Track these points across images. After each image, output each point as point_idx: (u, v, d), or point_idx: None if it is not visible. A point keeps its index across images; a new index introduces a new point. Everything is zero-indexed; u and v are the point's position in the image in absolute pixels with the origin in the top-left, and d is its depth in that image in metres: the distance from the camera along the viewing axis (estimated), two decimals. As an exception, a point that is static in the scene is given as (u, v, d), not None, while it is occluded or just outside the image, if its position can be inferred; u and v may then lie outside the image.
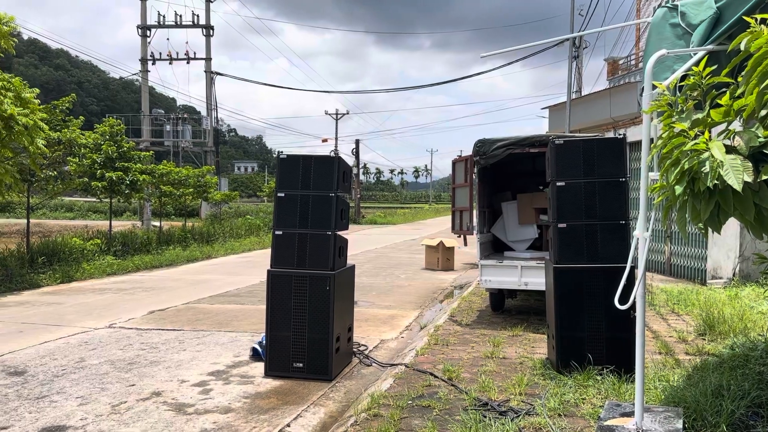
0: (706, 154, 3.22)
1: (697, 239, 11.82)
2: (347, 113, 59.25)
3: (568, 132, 16.45)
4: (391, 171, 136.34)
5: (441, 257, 15.21)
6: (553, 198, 5.62)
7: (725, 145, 3.24)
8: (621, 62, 31.49)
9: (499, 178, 9.46)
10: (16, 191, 12.78)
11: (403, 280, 13.28)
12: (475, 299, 9.85)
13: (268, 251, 6.31)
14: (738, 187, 3.02)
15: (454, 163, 9.16)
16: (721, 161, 3.10)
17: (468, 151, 8.30)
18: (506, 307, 8.99)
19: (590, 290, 5.45)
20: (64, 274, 12.61)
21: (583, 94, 24.71)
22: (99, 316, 8.79)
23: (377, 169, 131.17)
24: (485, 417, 4.44)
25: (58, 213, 40.94)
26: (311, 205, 5.90)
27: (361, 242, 24.62)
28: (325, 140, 49.78)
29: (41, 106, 12.26)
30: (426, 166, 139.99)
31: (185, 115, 35.44)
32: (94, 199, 28.77)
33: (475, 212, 8.62)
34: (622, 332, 5.33)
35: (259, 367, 6.09)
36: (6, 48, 11.90)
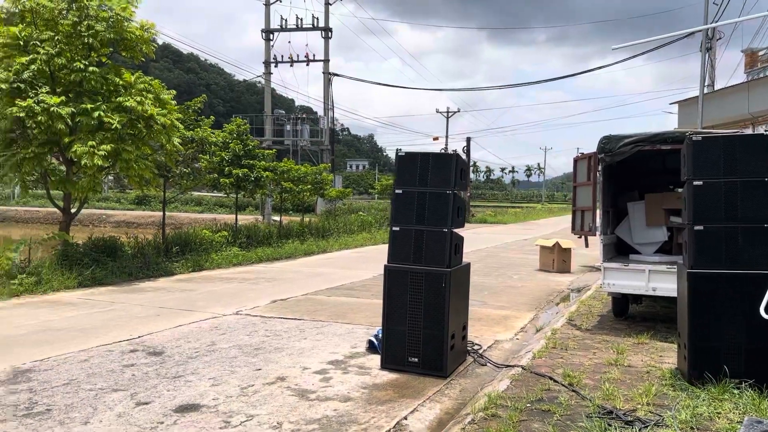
0: None
1: None
2: (458, 111, 59.12)
3: (701, 128, 15.33)
4: (502, 169, 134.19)
5: (557, 258, 14.73)
6: (689, 198, 5.26)
7: None
8: (761, 54, 28.87)
9: (625, 177, 9.00)
10: (154, 185, 13.90)
11: (516, 281, 13.01)
12: (596, 303, 9.45)
13: (380, 247, 6.42)
14: None
15: (575, 161, 8.82)
16: None
17: (586, 148, 8.00)
18: (630, 314, 8.55)
19: (729, 297, 5.05)
20: (195, 263, 13.56)
21: (716, 89, 22.93)
22: (227, 304, 9.37)
23: (487, 167, 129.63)
24: (610, 425, 4.26)
25: (188, 207, 44.04)
26: (428, 202, 5.92)
27: (472, 241, 24.33)
28: (436, 138, 49.79)
29: (176, 107, 13.28)
30: (539, 164, 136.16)
31: (303, 115, 36.91)
32: (220, 194, 30.66)
33: (598, 212, 8.26)
34: (764, 343, 4.90)
35: (375, 359, 6.22)
36: (147, 53, 13.00)
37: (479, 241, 24.46)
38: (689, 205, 5.25)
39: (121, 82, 11.78)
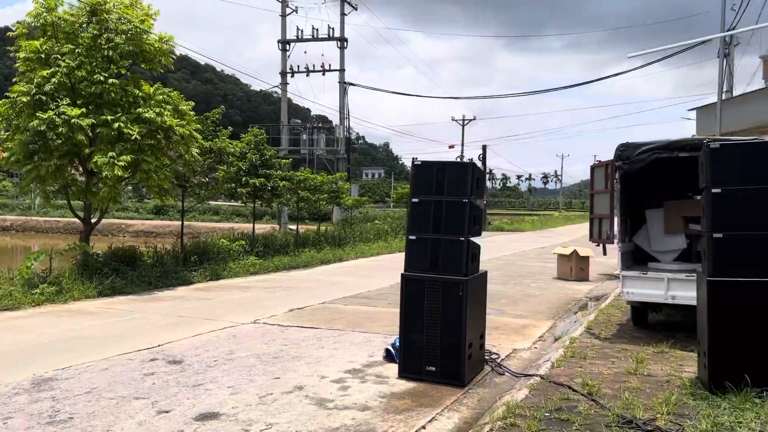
0: None
1: None
2: (473, 119, 58.80)
3: (719, 135, 15.19)
4: (518, 177, 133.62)
5: (575, 267, 14.63)
6: (708, 206, 5.23)
7: None
8: (781, 58, 28.51)
9: (643, 185, 8.94)
10: (173, 195, 14.07)
11: (534, 289, 12.94)
12: (614, 312, 9.38)
13: (396, 255, 6.44)
14: None
15: (592, 168, 8.78)
16: None
17: (603, 155, 7.96)
18: (649, 322, 8.47)
19: (750, 306, 5.00)
20: (213, 272, 13.67)
21: (734, 95, 22.70)
22: (245, 312, 9.43)
23: (503, 174, 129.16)
24: (629, 435, 4.22)
25: (205, 216, 44.39)
26: (445, 210, 5.94)
27: (488, 249, 24.26)
28: (451, 146, 49.84)
29: (195, 118, 13.44)
30: (555, 171, 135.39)
31: (319, 125, 37.14)
32: (237, 203, 30.87)
33: (615, 220, 8.21)
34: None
35: (393, 368, 6.22)
36: (166, 64, 13.20)
37: (496, 249, 24.36)
38: (707, 213, 5.22)
39: (140, 94, 11.97)
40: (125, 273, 11.94)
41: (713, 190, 5.19)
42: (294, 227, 22.98)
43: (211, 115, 15.45)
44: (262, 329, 8.23)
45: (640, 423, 4.47)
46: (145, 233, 35.09)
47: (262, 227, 26.33)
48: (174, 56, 13.40)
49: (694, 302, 5.91)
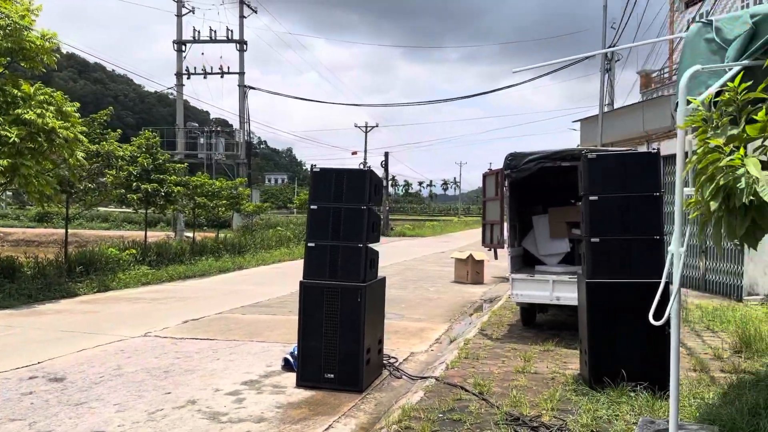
0: (741, 170, 3.20)
1: (733, 255, 11.58)
2: (376, 126, 59.55)
3: (600, 145, 16.31)
4: (420, 183, 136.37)
5: (470, 270, 15.16)
6: (586, 212, 5.60)
7: (761, 161, 3.22)
8: (654, 75, 31.07)
9: (530, 192, 9.44)
10: (56, 202, 13.19)
11: (433, 293, 13.27)
12: (506, 313, 9.80)
13: (298, 262, 6.39)
14: (775, 203, 2.99)
15: (484, 176, 9.17)
16: (757, 177, 3.08)
17: (498, 163, 8.32)
18: (537, 322, 8.93)
19: (624, 306, 5.39)
20: (101, 283, 12.92)
21: (615, 108, 24.47)
22: (134, 325, 8.99)
23: (406, 181, 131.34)
24: (514, 431, 4.43)
25: (94, 223, 41.91)
26: (343, 217, 5.97)
27: (390, 254, 24.64)
28: (354, 153, 50.13)
29: (80, 120, 12.68)
30: (455, 178, 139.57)
31: (218, 128, 36.13)
32: (128, 210, 29.41)
33: (506, 225, 8.60)
34: (656, 348, 5.26)
35: (291, 377, 6.17)
36: (49, 63, 12.36)
37: (398, 254, 24.74)
38: (586, 219, 5.59)
39: (19, 94, 11.14)
40: (2, 286, 11.06)
41: (590, 198, 5.56)
42: (191, 234, 22.19)
43: (99, 116, 14.63)
44: (153, 342, 7.88)
45: (527, 420, 4.71)
46: (26, 242, 32.65)
47: (155, 235, 25.23)
48: (58, 55, 12.58)
49: (576, 302, 6.30)
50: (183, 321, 9.42)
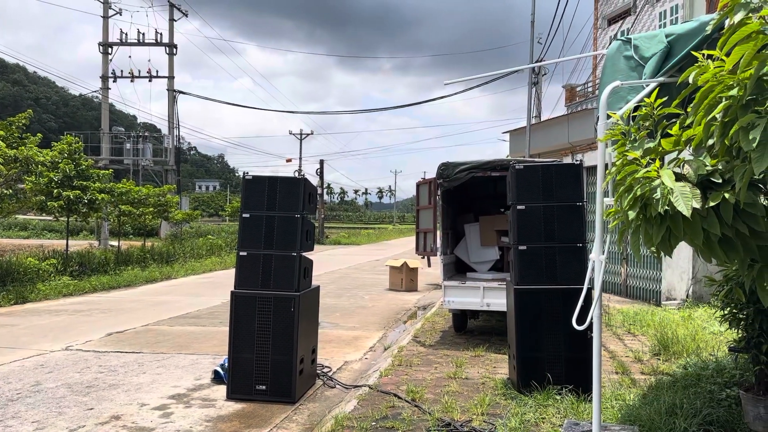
0: (657, 182, 3.38)
1: (652, 262, 12.18)
2: (311, 133, 59.23)
3: (528, 156, 16.84)
4: (356, 191, 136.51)
5: (405, 278, 15.28)
6: (514, 221, 5.77)
7: (675, 173, 3.42)
8: (578, 89, 32.43)
9: (462, 201, 9.63)
10: (-31, 209, 12.41)
11: (367, 301, 13.29)
12: (439, 320, 9.93)
13: (230, 272, 6.26)
14: (687, 213, 3.18)
15: (418, 185, 9.29)
16: (671, 188, 3.27)
17: (432, 172, 8.45)
18: (469, 328, 9.09)
19: (549, 311, 5.58)
20: (18, 294, 12.24)
21: (542, 120, 25.36)
22: (55, 339, 8.56)
23: (341, 189, 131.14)
24: (448, 437, 4.50)
25: (11, 231, 39.62)
26: (276, 226, 5.91)
27: (325, 263, 24.55)
28: (289, 160, 49.68)
29: (-3, 123, 12.02)
30: (390, 186, 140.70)
31: (146, 133, 34.96)
32: (49, 218, 28.02)
33: (438, 234, 8.74)
34: (580, 352, 5.47)
35: (221, 390, 6.03)
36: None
37: (333, 262, 24.67)
38: (514, 228, 5.76)
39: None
40: None
41: (518, 207, 5.74)
42: (115, 243, 21.34)
43: (16, 120, 13.90)
44: (74, 356, 7.51)
45: (458, 425, 4.78)
46: (-67, 252, 30.41)
47: (78, 243, 24.11)
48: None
49: (505, 308, 6.47)
50: (107, 333, 9.04)
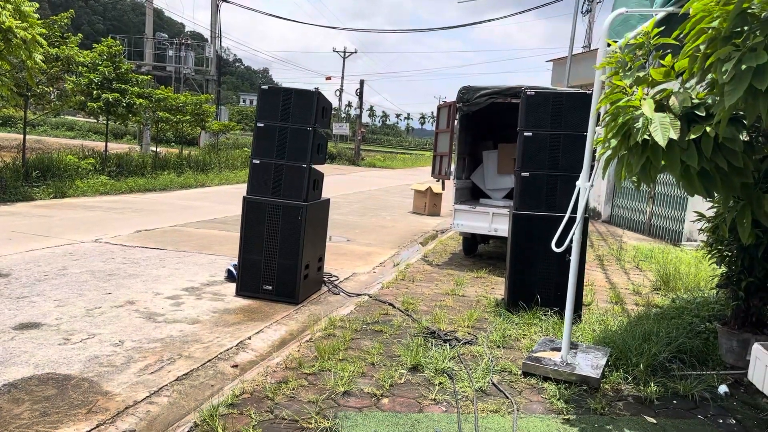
0: (640, 111, 3.42)
1: (678, 202, 12.05)
2: (355, 52, 58.41)
3: (566, 87, 16.42)
4: (398, 116, 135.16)
5: (428, 202, 15.48)
6: (520, 147, 5.83)
7: (659, 103, 3.44)
8: (633, 20, 30.78)
9: (483, 127, 9.61)
10: (12, 104, 12.93)
11: (388, 221, 13.58)
12: (452, 243, 10.17)
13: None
14: (662, 143, 3.23)
15: (439, 108, 9.29)
16: (651, 118, 3.31)
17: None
18: (478, 252, 9.32)
19: (544, 237, 5.70)
20: (58, 189, 12.91)
21: (591, 49, 24.40)
22: (86, 231, 9.13)
23: (383, 112, 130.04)
24: (429, 342, 4.81)
25: (59, 131, 40.93)
26: (289, 137, 6.10)
27: (356, 183, 24.88)
28: (329, 78, 49.30)
29: (39, 21, 12.26)
30: (432, 112, 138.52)
31: (188, 41, 35.00)
32: (95, 121, 28.77)
33: (453, 157, 8.82)
34: (567, 276, 5.62)
35: (231, 287, 6.44)
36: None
37: (364, 183, 24.97)
38: (519, 154, 5.83)
39: (-29, -12, 10.69)
40: (-47, 185, 10.98)
41: (525, 134, 5.79)
42: (156, 149, 21.97)
43: (59, 19, 14.13)
44: (102, 248, 8.05)
45: (442, 334, 5.08)
46: (-15, 146, 31.80)
47: (120, 147, 24.88)
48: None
49: (508, 233, 6.62)
50: (136, 231, 9.58)
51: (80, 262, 7.10)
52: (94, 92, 15.30)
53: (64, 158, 14.66)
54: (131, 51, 32.83)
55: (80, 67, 14.51)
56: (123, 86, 15.93)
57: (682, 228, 11.87)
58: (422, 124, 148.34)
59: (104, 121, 17.45)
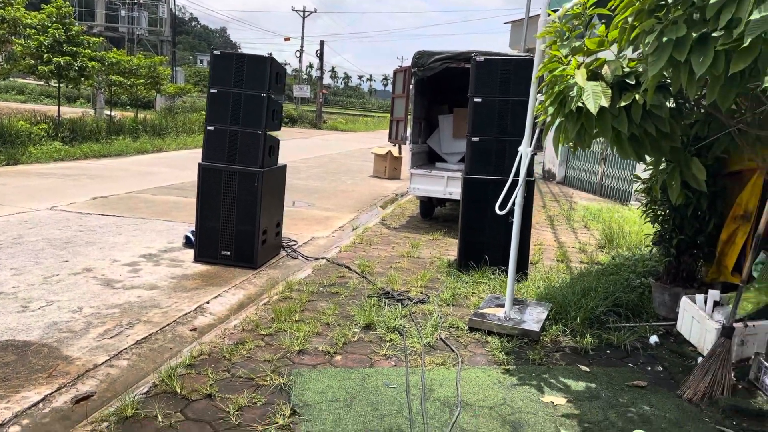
0: (575, 80, 3.61)
1: (628, 163, 12.47)
2: (315, 11, 57.37)
3: (523, 50, 16.58)
4: (360, 77, 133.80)
5: (389, 166, 15.62)
6: (471, 113, 6.00)
7: (592, 72, 3.63)
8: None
9: (438, 92, 9.73)
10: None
11: (349, 185, 13.70)
12: (410, 206, 10.38)
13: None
14: (593, 110, 3.44)
15: (395, 73, 9.36)
16: (583, 87, 3.50)
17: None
18: (435, 215, 9.55)
19: (493, 200, 5.90)
20: (10, 156, 12.61)
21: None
22: (41, 199, 9.02)
23: (345, 74, 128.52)
24: (382, 302, 5.03)
25: (8, 95, 39.37)
26: (243, 103, 6.13)
27: (318, 147, 24.82)
28: (287, 39, 48.35)
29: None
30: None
31: (141, 0, 33.84)
32: (46, 83, 27.81)
33: (409, 122, 8.94)
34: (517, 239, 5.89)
35: (190, 253, 6.52)
36: None
37: (325, 147, 24.91)
38: (470, 119, 6.00)
39: None
40: None
41: (475, 99, 5.94)
42: (110, 113, 21.45)
43: (2, -22, 13.57)
44: (57, 216, 7.99)
45: (395, 294, 5.30)
46: (-71, 111, 30.45)
47: (74, 111, 24.17)
48: None
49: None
50: (92, 198, 9.50)
51: (36, 230, 7.06)
52: (45, 56, 14.81)
53: (15, 124, 14.25)
54: (82, 11, 31.61)
55: (28, 29, 14.00)
56: (74, 49, 15.44)
57: (631, 188, 12.32)
58: (385, 85, 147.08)
59: (56, 85, 16.93)
